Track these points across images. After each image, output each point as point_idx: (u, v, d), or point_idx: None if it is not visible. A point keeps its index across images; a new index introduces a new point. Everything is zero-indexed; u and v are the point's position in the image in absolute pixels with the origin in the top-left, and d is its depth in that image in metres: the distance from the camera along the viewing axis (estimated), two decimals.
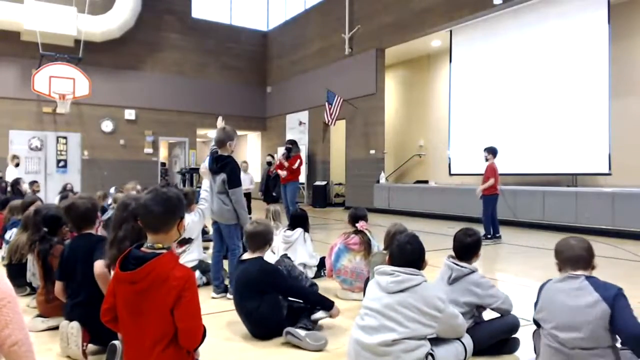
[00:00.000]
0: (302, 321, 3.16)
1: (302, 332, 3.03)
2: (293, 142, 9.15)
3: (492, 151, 8.00)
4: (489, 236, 7.63)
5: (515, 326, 2.85)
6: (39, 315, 3.33)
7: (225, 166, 4.18)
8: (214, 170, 4.30)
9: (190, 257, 4.74)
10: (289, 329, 3.06)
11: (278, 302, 3.17)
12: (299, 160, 8.90)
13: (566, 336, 2.20)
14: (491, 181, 7.71)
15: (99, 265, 2.79)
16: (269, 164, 10.48)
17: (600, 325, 2.15)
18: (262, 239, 3.30)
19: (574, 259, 2.33)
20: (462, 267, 2.81)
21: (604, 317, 2.15)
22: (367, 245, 4.20)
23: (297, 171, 8.96)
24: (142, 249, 2.04)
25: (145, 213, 2.05)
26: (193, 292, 1.98)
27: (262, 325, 3.15)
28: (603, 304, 2.16)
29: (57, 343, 2.90)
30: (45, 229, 3.46)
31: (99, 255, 2.82)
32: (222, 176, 4.17)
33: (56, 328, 3.19)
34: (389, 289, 2.42)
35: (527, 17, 10.35)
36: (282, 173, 8.83)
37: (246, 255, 3.34)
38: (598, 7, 9.20)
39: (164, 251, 2.01)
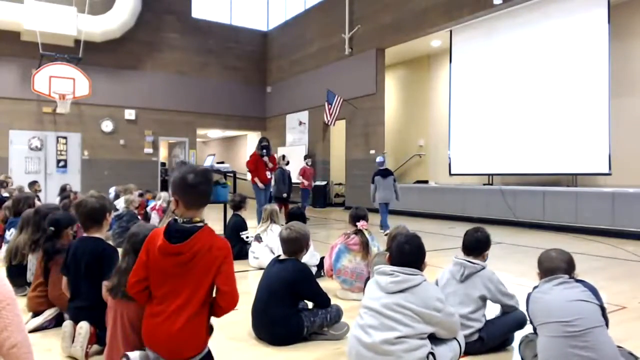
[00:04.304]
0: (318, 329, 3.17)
1: (324, 329, 3.15)
2: (269, 141, 9.14)
3: (309, 158, 12.74)
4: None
5: (524, 320, 2.93)
6: (34, 315, 3.33)
7: (392, 173, 8.77)
8: (384, 174, 8.65)
9: None
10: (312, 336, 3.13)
11: (302, 319, 3.08)
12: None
13: (570, 319, 2.29)
14: (301, 179, 11.62)
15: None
16: (287, 164, 10.41)
17: (594, 307, 2.32)
18: (299, 244, 3.25)
19: (552, 270, 2.49)
20: (474, 263, 2.90)
21: (592, 299, 2.35)
22: (365, 245, 4.19)
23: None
24: (180, 223, 2.15)
25: (194, 192, 2.14)
26: (231, 259, 2.21)
27: (281, 338, 3.07)
28: (592, 295, 2.37)
29: (57, 344, 2.90)
30: (52, 228, 3.43)
31: (108, 273, 2.69)
32: (392, 177, 8.64)
33: (55, 326, 3.23)
34: (388, 289, 2.42)
35: (527, 17, 10.35)
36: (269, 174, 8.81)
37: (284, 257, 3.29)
38: (598, 7, 9.20)
39: (203, 224, 2.17)
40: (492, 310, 3.06)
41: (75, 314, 2.90)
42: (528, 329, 2.99)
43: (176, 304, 2.11)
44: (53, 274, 3.32)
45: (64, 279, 3.11)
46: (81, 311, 2.88)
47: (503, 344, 2.95)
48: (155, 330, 2.14)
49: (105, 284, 2.68)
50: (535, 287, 2.56)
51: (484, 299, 2.86)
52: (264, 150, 8.74)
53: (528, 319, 2.61)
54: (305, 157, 12.36)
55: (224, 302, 2.18)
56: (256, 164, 8.71)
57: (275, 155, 9.98)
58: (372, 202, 8.93)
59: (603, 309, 2.37)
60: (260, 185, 8.66)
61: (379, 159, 9.40)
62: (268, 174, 8.69)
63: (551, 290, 2.42)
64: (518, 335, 2.97)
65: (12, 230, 4.79)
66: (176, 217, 2.17)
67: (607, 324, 2.36)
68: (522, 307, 3.00)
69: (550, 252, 2.58)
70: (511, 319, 2.94)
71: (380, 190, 8.70)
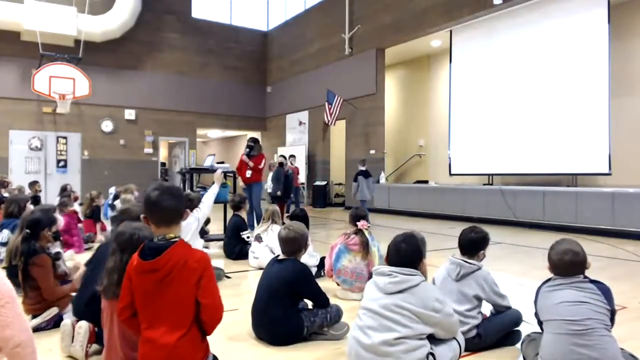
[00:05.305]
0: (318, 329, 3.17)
1: (324, 329, 3.15)
2: (255, 141, 9.13)
3: (294, 157, 12.77)
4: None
5: (519, 318, 3.01)
6: (33, 317, 3.33)
7: (371, 175, 10.03)
8: (366, 175, 10.08)
9: None
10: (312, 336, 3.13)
11: (302, 319, 3.08)
12: (264, 160, 9.01)
13: (576, 318, 2.29)
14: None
15: None
16: (282, 165, 10.46)
17: (603, 309, 2.32)
18: (297, 244, 3.23)
19: (563, 270, 2.44)
20: (471, 263, 2.92)
21: (602, 303, 2.33)
22: (365, 245, 4.19)
23: (261, 171, 9.00)
24: (155, 241, 2.12)
25: (158, 209, 2.11)
26: (211, 271, 2.13)
27: (281, 338, 3.06)
28: (603, 299, 2.35)
29: (57, 343, 2.90)
30: (27, 231, 3.39)
31: None
32: (372, 178, 9.96)
33: (53, 327, 3.23)
34: (386, 290, 2.41)
35: (527, 17, 10.35)
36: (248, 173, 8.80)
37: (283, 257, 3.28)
38: (598, 7, 9.20)
39: (177, 239, 2.12)
40: (488, 310, 3.08)
41: (84, 312, 2.88)
42: (524, 327, 3.03)
43: (165, 326, 2.06)
44: (42, 278, 3.29)
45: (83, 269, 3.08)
46: (89, 308, 2.84)
47: (503, 342, 2.97)
48: (150, 356, 2.10)
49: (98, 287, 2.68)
50: (546, 281, 2.53)
51: (478, 299, 2.89)
52: (247, 149, 8.84)
53: (534, 311, 2.60)
54: (289, 157, 12.58)
55: (206, 316, 2.11)
56: (241, 164, 8.86)
57: (275, 156, 10.06)
58: (353, 198, 10.31)
59: (613, 313, 2.36)
60: (240, 184, 8.74)
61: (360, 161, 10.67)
62: (248, 173, 8.70)
63: (562, 288, 2.40)
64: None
65: (5, 231, 4.78)
66: (152, 238, 2.15)
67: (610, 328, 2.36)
68: (517, 307, 3.06)
69: (562, 251, 2.45)
70: (507, 318, 2.98)
71: (362, 189, 10.09)
